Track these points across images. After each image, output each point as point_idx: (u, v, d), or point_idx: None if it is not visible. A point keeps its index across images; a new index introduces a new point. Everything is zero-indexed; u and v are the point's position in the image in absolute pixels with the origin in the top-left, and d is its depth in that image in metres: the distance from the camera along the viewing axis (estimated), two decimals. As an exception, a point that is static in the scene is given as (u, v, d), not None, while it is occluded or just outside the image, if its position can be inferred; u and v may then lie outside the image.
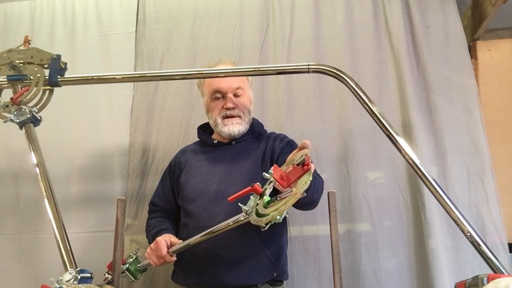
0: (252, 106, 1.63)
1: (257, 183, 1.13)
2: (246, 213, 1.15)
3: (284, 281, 1.52)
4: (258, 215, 1.11)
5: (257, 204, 1.13)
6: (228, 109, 1.55)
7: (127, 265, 1.52)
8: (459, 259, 1.78)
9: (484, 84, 2.09)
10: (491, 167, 1.85)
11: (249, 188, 1.11)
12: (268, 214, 1.08)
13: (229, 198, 1.17)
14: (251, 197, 1.16)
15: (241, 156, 1.54)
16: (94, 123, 2.05)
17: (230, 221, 1.26)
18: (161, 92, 2.06)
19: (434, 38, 1.99)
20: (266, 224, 1.10)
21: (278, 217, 1.08)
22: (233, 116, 1.55)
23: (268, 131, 1.69)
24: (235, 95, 1.55)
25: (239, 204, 1.17)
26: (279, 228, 1.48)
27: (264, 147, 1.56)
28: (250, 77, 1.66)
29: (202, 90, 1.65)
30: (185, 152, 1.66)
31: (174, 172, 1.62)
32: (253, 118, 1.66)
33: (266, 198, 1.13)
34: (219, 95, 1.56)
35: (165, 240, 1.41)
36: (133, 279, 1.54)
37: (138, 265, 1.53)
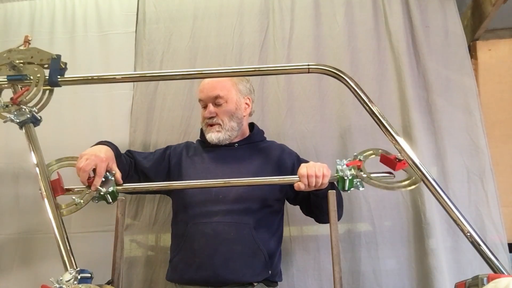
0: (240, 111, 1.60)
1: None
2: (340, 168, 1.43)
3: (278, 283, 1.54)
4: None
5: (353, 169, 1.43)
6: (206, 118, 1.59)
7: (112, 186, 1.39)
8: (459, 259, 1.79)
9: (484, 84, 2.10)
10: (491, 167, 1.85)
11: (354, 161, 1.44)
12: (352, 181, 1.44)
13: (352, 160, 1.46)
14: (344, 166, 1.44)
15: (244, 159, 1.58)
16: (94, 123, 2.04)
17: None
18: (161, 92, 2.06)
19: (434, 38, 1.99)
20: (349, 188, 1.44)
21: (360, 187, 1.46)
22: (212, 124, 1.58)
23: (267, 139, 1.72)
24: (216, 104, 1.57)
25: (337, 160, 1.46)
26: (273, 228, 1.54)
27: (267, 154, 1.62)
28: (245, 78, 1.65)
29: None
30: (189, 147, 1.68)
31: (170, 157, 1.64)
32: (255, 125, 1.70)
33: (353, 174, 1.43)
34: (203, 103, 1.61)
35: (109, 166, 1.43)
36: (110, 200, 1.40)
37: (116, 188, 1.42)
